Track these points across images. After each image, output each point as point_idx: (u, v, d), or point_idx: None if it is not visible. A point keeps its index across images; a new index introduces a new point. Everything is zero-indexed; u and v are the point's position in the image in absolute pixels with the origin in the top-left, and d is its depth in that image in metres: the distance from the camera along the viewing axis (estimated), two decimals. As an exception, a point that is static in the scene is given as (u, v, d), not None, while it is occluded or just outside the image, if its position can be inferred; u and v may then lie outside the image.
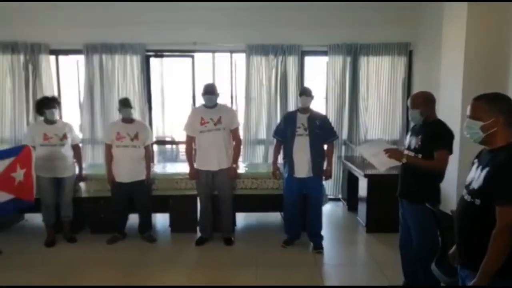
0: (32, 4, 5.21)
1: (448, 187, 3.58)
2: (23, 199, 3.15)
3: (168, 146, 7.96)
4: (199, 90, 4.33)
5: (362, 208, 4.78)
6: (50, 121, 4.13)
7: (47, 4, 5.22)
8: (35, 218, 4.74)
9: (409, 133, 3.04)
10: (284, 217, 4.41)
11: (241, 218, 4.94)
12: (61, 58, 5.76)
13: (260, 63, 5.56)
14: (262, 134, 5.71)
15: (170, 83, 8.20)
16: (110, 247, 4.20)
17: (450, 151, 2.80)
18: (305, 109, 4.01)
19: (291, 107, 5.55)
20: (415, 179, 2.87)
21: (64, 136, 4.14)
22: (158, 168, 4.83)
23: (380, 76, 5.62)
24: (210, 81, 4.89)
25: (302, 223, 4.20)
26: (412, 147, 2.89)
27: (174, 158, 7.56)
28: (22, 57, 5.45)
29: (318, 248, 4.08)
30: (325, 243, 4.15)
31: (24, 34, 5.41)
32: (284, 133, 4.05)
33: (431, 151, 2.76)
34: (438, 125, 2.86)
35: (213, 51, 5.89)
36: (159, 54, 5.85)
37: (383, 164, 2.97)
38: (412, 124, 3.12)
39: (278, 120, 5.50)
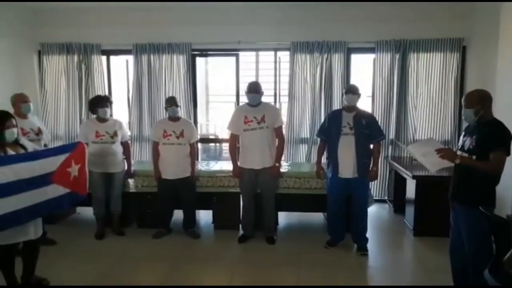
0: (85, 7, 5.45)
1: (504, 191, 3.37)
2: (77, 193, 3.30)
3: (212, 144, 8.10)
4: (243, 89, 4.35)
5: (409, 210, 4.61)
6: (102, 119, 4.30)
7: (99, 6, 5.43)
8: (86, 212, 4.97)
9: (463, 133, 2.89)
10: (327, 218, 4.34)
11: (283, 217, 4.92)
12: (112, 58, 6.00)
13: (305, 60, 5.49)
14: (305, 133, 5.64)
15: (214, 81, 8.35)
16: (156, 242, 4.32)
17: (508, 153, 2.63)
18: (351, 108, 3.92)
19: (336, 105, 5.45)
20: (469, 182, 2.72)
21: (115, 134, 4.30)
22: (202, 165, 4.90)
23: (431, 73, 5.39)
24: (254, 80, 4.90)
25: (346, 224, 4.11)
26: (466, 148, 2.74)
27: (218, 156, 7.68)
28: (76, 58, 5.72)
29: (363, 250, 3.98)
30: (369, 246, 4.04)
31: (78, 35, 5.68)
32: (328, 132, 3.98)
33: (486, 152, 2.60)
34: (494, 124, 2.69)
35: (257, 50, 5.91)
36: (204, 53, 5.93)
37: (434, 165, 2.84)
38: (465, 124, 2.96)
39: (322, 119, 5.44)
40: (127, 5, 5.34)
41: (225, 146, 7.84)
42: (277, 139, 4.22)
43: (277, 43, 5.60)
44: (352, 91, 3.88)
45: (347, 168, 3.85)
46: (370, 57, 5.58)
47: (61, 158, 3.14)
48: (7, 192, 2.72)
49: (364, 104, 5.03)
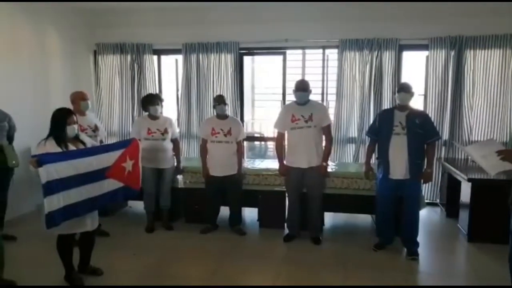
0: (137, 8, 5.65)
1: None
2: (131, 188, 3.44)
3: (257, 142, 8.12)
4: (290, 87, 4.32)
5: (464, 214, 4.39)
6: (154, 117, 4.43)
7: (151, 7, 5.61)
8: (137, 206, 5.16)
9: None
10: (376, 220, 4.23)
11: (330, 218, 4.85)
12: (163, 57, 6.18)
13: (354, 58, 5.38)
14: (353, 132, 5.54)
15: (260, 80, 8.36)
16: (203, 237, 4.40)
17: None
18: (403, 107, 3.78)
19: (386, 104, 5.31)
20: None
21: (165, 131, 4.43)
22: (247, 163, 4.93)
23: (489, 71, 5.10)
24: (300, 78, 4.86)
25: (395, 227, 3.99)
26: (530, 150, 2.57)
27: (263, 154, 7.69)
28: (129, 57, 5.94)
29: (413, 254, 3.84)
30: (420, 250, 3.90)
31: (131, 35, 5.90)
32: (379, 132, 3.87)
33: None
34: None
35: (305, 48, 5.86)
36: (251, 52, 5.96)
37: (494, 167, 2.68)
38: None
39: (371, 118, 5.32)
40: (178, 5, 5.47)
41: (270, 144, 7.85)
42: (324, 138, 4.17)
43: (326, 41, 5.52)
44: (405, 90, 3.75)
45: (399, 169, 3.73)
46: (423, 54, 5.37)
47: (117, 153, 3.28)
48: (68, 185, 2.89)
49: (417, 103, 4.86)
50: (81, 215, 3.06)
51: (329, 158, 4.32)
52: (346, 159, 5.54)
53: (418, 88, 5.17)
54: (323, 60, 5.61)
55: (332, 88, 5.61)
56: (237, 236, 4.42)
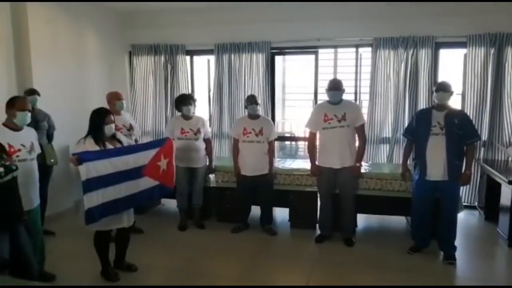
0: (171, 9, 5.74)
1: None
2: (165, 186, 3.51)
3: (287, 142, 8.11)
4: (321, 86, 4.26)
5: (504, 218, 4.21)
6: (187, 117, 4.49)
7: (184, 8, 5.69)
8: (170, 204, 5.25)
9: None
10: (411, 222, 4.12)
11: (362, 219, 4.76)
12: (195, 58, 6.25)
13: (388, 57, 5.26)
14: (387, 133, 5.41)
15: (291, 79, 8.34)
16: (234, 236, 4.43)
17: None
18: (441, 106, 3.66)
19: (422, 104, 5.17)
20: None
21: (198, 131, 4.47)
22: (279, 163, 4.91)
23: (532, 69, 4.88)
24: (332, 77, 4.81)
25: (431, 230, 3.87)
26: None
27: (294, 154, 7.66)
28: (162, 58, 6.04)
29: (450, 258, 3.72)
30: (458, 254, 3.76)
31: (164, 36, 5.99)
32: (416, 132, 3.77)
33: None
34: None
35: (338, 46, 5.80)
36: (283, 51, 5.94)
37: None
38: None
39: (406, 118, 5.20)
40: (210, 5, 5.51)
41: (301, 144, 7.81)
42: (358, 138, 4.10)
43: (359, 39, 5.43)
44: (443, 89, 3.64)
45: (436, 170, 3.61)
46: (460, 52, 5.20)
47: (152, 152, 3.35)
48: (107, 183, 2.97)
49: (454, 102, 4.69)
50: (119, 212, 3.14)
51: (362, 159, 4.24)
52: (380, 160, 5.43)
53: (456, 87, 5.01)
54: (356, 59, 5.52)
55: (365, 87, 5.51)
56: (268, 236, 4.42)
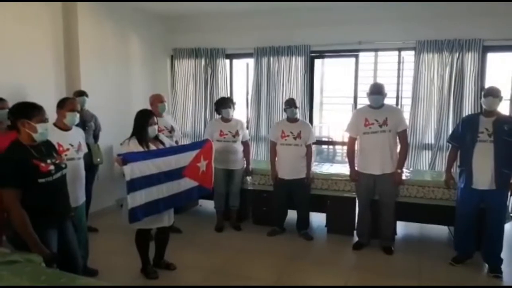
0: (212, 13, 5.84)
1: None
2: (205, 187, 3.57)
3: (324, 146, 8.02)
4: (362, 90, 4.18)
5: (557, 232, 3.98)
6: (226, 119, 4.54)
7: (225, 12, 5.77)
8: (207, 205, 5.32)
9: None
10: (455, 232, 3.95)
11: (402, 227, 4.63)
12: (234, 61, 6.32)
13: (432, 60, 5.09)
14: (430, 139, 5.24)
15: (329, 83, 8.24)
16: (270, 239, 4.42)
17: None
18: (490, 112, 3.51)
19: (467, 109, 4.96)
20: None
21: (237, 133, 4.52)
22: (316, 167, 4.86)
23: None
24: (373, 81, 4.71)
25: (476, 241, 3.71)
26: None
27: (331, 159, 7.57)
28: (203, 61, 6.15)
29: (496, 271, 3.54)
30: (504, 267, 3.59)
31: (205, 40, 6.09)
32: (462, 139, 3.63)
33: None
34: None
35: (379, 50, 5.67)
36: (323, 55, 5.90)
37: None
38: None
39: (450, 124, 5.02)
40: (250, 9, 5.56)
41: (339, 148, 7.71)
42: (399, 144, 4.00)
43: (401, 43, 5.29)
44: (493, 94, 3.48)
45: (483, 178, 3.46)
46: (510, 56, 4.96)
47: (193, 154, 3.42)
48: (150, 183, 3.06)
49: (502, 108, 4.48)
50: (160, 212, 3.22)
51: (404, 165, 4.13)
52: (422, 167, 5.26)
53: (504, 92, 4.78)
54: (399, 62, 5.38)
55: (407, 92, 5.37)
56: (304, 240, 4.39)
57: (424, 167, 5.25)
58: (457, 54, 4.98)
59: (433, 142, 5.20)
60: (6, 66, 4.08)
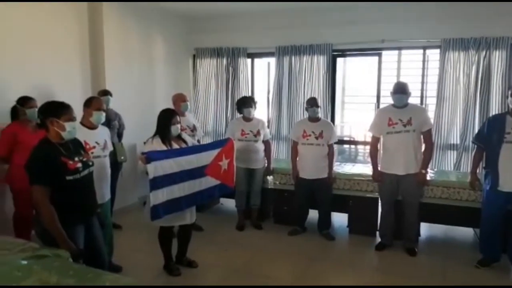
0: (233, 13, 5.86)
1: None
2: (226, 185, 3.59)
3: (346, 146, 7.95)
4: (385, 89, 4.12)
5: None
6: (247, 119, 4.55)
7: (247, 12, 5.79)
8: (228, 203, 5.35)
9: None
10: (480, 234, 3.86)
11: (426, 229, 4.56)
12: (256, 60, 6.33)
13: (458, 59, 4.99)
14: (455, 139, 5.13)
15: (351, 82, 8.16)
16: (291, 239, 4.41)
17: None
18: (517, 112, 3.43)
19: (494, 108, 4.84)
20: None
21: (258, 133, 4.53)
22: (338, 167, 4.83)
23: None
24: (396, 80, 4.63)
25: (502, 244, 3.62)
26: None
27: (353, 159, 7.50)
28: (224, 61, 6.18)
29: (524, 275, 3.46)
30: (532, 272, 3.50)
31: (227, 40, 6.13)
32: (488, 139, 3.54)
33: None
34: None
35: (402, 48, 5.59)
36: (345, 53, 5.84)
37: None
38: None
39: (476, 123, 4.91)
40: (271, 8, 5.54)
41: (361, 148, 7.63)
42: (424, 144, 3.93)
43: (426, 41, 5.19)
44: (520, 93, 3.39)
45: (510, 180, 3.37)
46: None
47: (214, 152, 3.44)
48: (172, 181, 3.10)
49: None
50: (182, 210, 3.26)
51: (429, 166, 4.06)
52: (446, 167, 5.15)
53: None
54: (423, 61, 5.28)
55: (431, 91, 5.27)
56: (326, 240, 4.36)
57: (449, 167, 5.14)
58: (484, 53, 4.86)
59: (458, 142, 5.10)
60: (35, 66, 4.20)
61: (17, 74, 3.99)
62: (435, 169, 4.95)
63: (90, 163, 2.58)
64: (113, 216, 4.28)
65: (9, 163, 3.59)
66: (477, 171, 3.81)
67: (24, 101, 3.57)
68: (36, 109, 3.00)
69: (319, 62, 5.65)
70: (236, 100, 5.24)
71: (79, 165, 2.45)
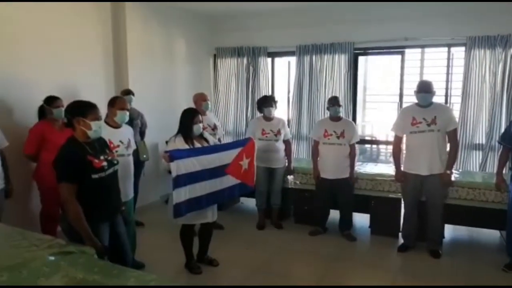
0: (254, 12, 5.87)
1: None
2: (247, 184, 3.60)
3: (367, 146, 7.85)
4: (407, 88, 4.05)
5: None
6: (268, 118, 4.54)
7: (267, 11, 5.78)
8: (248, 202, 5.36)
9: None
10: (507, 237, 3.75)
11: (450, 230, 4.46)
12: (276, 59, 6.31)
13: (484, 57, 4.86)
14: (480, 138, 5.00)
15: (373, 80, 8.06)
16: (312, 239, 4.39)
17: None
18: (548, 111, 3.32)
19: (522, 108, 4.70)
20: None
21: (278, 132, 4.51)
22: (359, 167, 4.77)
23: None
24: (419, 78, 4.55)
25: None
26: None
27: (375, 158, 7.40)
28: (245, 60, 6.19)
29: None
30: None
31: (247, 39, 6.13)
32: (515, 139, 3.45)
33: None
34: None
35: (426, 46, 5.49)
36: (367, 52, 5.77)
37: None
38: None
39: (503, 123, 4.78)
40: (292, 7, 5.51)
41: (383, 148, 7.53)
42: (449, 144, 3.85)
43: (450, 39, 5.08)
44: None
45: (538, 182, 3.28)
46: None
47: (235, 152, 3.46)
48: (194, 179, 3.13)
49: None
50: (203, 208, 3.29)
51: (454, 166, 3.97)
52: (471, 167, 5.03)
53: None
54: (448, 59, 5.17)
55: (456, 90, 5.15)
56: (347, 241, 4.32)
57: (475, 168, 5.03)
58: (512, 50, 4.73)
59: (484, 142, 4.97)
60: (60, 66, 4.30)
61: (44, 74, 4.10)
62: (460, 170, 4.85)
63: (115, 162, 2.62)
64: (135, 213, 4.37)
65: (37, 161, 3.69)
66: (504, 171, 3.71)
67: (51, 101, 3.66)
68: (63, 109, 3.07)
69: (340, 60, 5.59)
70: (256, 99, 5.24)
71: (104, 163, 2.49)
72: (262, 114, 4.61)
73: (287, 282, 3.43)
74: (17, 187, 3.60)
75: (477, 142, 5.03)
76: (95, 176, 2.42)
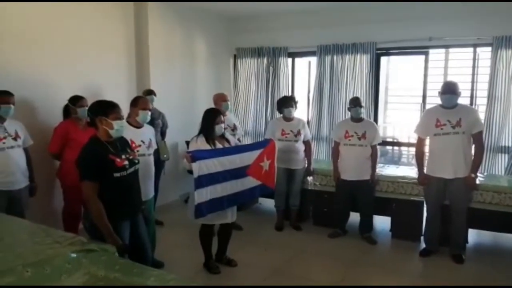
0: (274, 12, 5.84)
1: None
2: (267, 186, 3.59)
3: (389, 147, 7.73)
4: (431, 89, 3.96)
5: None
6: (288, 119, 4.52)
7: (288, 11, 5.75)
8: (267, 203, 5.34)
9: None
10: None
11: (474, 235, 4.34)
12: (296, 59, 6.27)
13: (511, 57, 4.72)
14: (507, 141, 4.85)
15: (395, 81, 7.93)
16: (331, 241, 4.34)
17: None
18: None
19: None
20: None
21: (298, 133, 4.48)
22: (381, 169, 4.69)
23: None
24: (443, 79, 4.44)
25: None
26: None
27: (396, 160, 7.28)
28: (265, 60, 6.18)
29: None
30: None
31: (267, 39, 6.12)
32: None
33: None
34: None
35: (450, 46, 5.35)
36: (389, 52, 5.68)
37: None
38: None
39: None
40: (313, 7, 5.47)
41: (405, 150, 7.39)
42: (474, 146, 3.75)
43: (476, 38, 4.94)
44: None
45: None
46: None
47: (256, 153, 3.45)
48: (216, 180, 3.14)
49: None
50: (223, 209, 3.29)
51: (479, 169, 3.87)
52: (497, 171, 4.89)
53: None
54: (474, 59, 5.03)
55: (482, 91, 5.01)
56: (367, 244, 4.26)
57: (500, 171, 4.88)
58: (540, 50, 4.57)
59: (510, 145, 4.82)
60: (84, 66, 4.37)
61: (68, 74, 4.18)
62: (485, 173, 4.71)
63: (136, 161, 2.65)
64: (155, 212, 4.40)
65: (60, 160, 3.76)
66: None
67: (75, 100, 3.73)
68: (86, 108, 3.12)
69: (362, 61, 5.52)
70: (276, 100, 5.21)
71: (126, 162, 2.52)
72: (281, 115, 4.58)
73: (306, 284, 3.40)
74: (41, 185, 3.68)
75: (503, 144, 4.88)
76: (116, 175, 2.45)
